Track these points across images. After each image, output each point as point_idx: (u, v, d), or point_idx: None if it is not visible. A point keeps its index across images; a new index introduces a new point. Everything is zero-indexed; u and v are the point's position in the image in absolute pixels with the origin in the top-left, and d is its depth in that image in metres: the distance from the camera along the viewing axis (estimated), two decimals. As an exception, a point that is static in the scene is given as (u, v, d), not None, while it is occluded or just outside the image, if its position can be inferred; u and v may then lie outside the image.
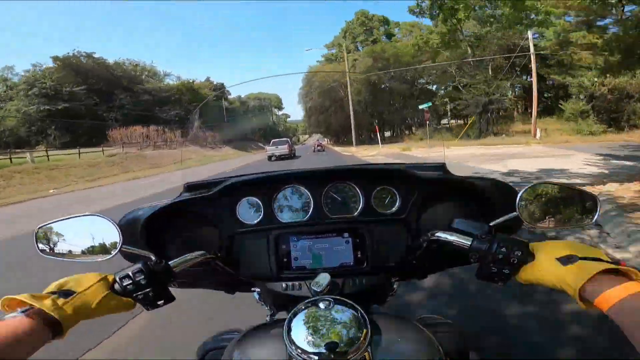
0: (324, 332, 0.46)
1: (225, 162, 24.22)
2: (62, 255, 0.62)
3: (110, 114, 34.13)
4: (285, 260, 0.74)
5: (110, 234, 0.60)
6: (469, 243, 0.56)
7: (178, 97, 40.79)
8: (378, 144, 25.55)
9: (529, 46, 20.75)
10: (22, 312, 0.44)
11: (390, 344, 0.51)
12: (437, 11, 23.81)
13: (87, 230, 0.61)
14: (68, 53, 33.83)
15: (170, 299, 0.58)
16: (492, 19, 23.61)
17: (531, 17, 22.30)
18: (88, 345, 1.99)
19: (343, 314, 0.49)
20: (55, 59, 32.79)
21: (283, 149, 21.27)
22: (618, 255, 2.80)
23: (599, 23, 22.60)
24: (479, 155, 12.72)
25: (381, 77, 33.67)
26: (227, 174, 0.92)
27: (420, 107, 18.03)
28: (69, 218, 0.62)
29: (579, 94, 20.27)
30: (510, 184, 0.77)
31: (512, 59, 20.16)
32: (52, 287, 0.50)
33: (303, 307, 0.51)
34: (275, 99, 78.96)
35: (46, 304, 0.46)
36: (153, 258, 0.57)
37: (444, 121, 39.07)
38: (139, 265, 0.55)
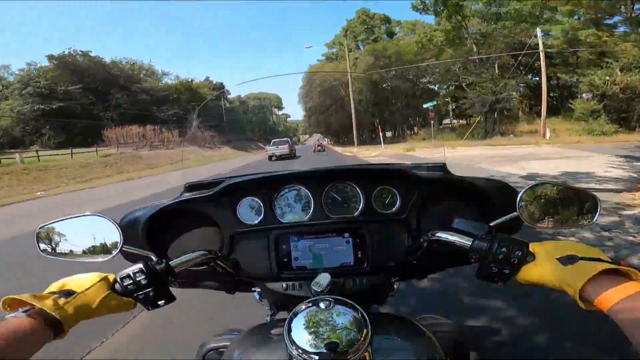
0: (324, 332, 0.46)
1: (225, 162, 24.03)
2: (64, 255, 0.63)
3: (107, 113, 33.49)
4: (285, 260, 0.73)
5: (111, 234, 0.60)
6: (469, 243, 0.56)
7: (176, 97, 40.28)
8: (379, 144, 25.08)
9: (535, 44, 20.19)
10: (23, 312, 0.45)
11: (390, 344, 0.52)
12: (442, 7, 23.45)
13: (87, 230, 0.62)
14: (64, 51, 33.25)
15: (170, 299, 0.58)
16: (496, 17, 23.18)
17: (535, 15, 21.94)
18: (88, 345, 1.97)
19: (343, 314, 0.48)
20: (50, 57, 32.13)
21: (283, 149, 21.82)
22: None
23: (607, 21, 22.11)
24: (488, 156, 12.21)
25: (383, 75, 33.08)
26: (228, 174, 0.93)
27: (425, 105, 17.41)
28: (69, 218, 0.62)
29: (590, 93, 19.67)
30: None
31: (521, 56, 19.47)
32: (53, 287, 0.51)
33: (303, 307, 0.50)
34: (275, 98, 78.48)
35: (47, 304, 0.46)
36: (154, 258, 0.58)
37: (446, 121, 38.58)
38: (139, 265, 0.55)
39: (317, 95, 38.38)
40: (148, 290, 0.54)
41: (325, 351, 0.44)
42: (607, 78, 18.00)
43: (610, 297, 0.41)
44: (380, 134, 24.72)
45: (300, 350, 0.45)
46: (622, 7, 19.59)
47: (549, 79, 24.16)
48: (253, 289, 0.81)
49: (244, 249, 0.75)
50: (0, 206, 9.80)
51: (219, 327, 0.85)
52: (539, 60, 20.29)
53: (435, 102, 19.31)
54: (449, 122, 38.10)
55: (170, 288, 0.58)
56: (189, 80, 46.94)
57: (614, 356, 1.53)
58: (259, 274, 0.74)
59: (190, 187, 0.80)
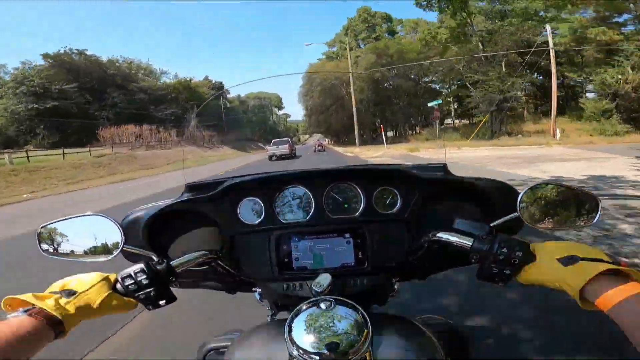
0: (325, 332, 0.46)
1: (224, 162, 23.55)
2: (65, 255, 0.62)
3: (102, 112, 32.82)
4: (286, 260, 0.73)
5: (112, 234, 0.60)
6: (470, 243, 0.56)
7: (175, 96, 39.66)
8: (380, 144, 24.41)
9: (542, 42, 19.61)
10: (25, 311, 0.45)
11: (390, 344, 0.52)
12: (446, 4, 22.81)
13: (89, 230, 0.62)
14: (59, 50, 32.58)
15: (171, 298, 0.58)
16: (501, 15, 22.56)
17: (540, 14, 21.32)
18: (89, 345, 1.95)
19: (344, 315, 0.49)
20: (45, 56, 31.51)
21: (284, 149, 21.89)
22: None
23: (616, 19, 21.52)
24: (498, 157, 11.60)
25: (385, 74, 32.49)
26: (227, 174, 0.91)
27: (430, 104, 16.86)
28: (71, 218, 0.62)
29: (595, 92, 19.10)
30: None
31: (530, 53, 18.81)
32: (54, 287, 0.51)
33: (304, 308, 0.51)
34: (275, 98, 77.92)
35: (48, 304, 0.46)
36: (155, 258, 0.58)
37: (448, 121, 37.95)
38: (140, 265, 0.55)
39: (318, 95, 37.77)
40: (149, 290, 0.54)
41: (325, 351, 0.44)
42: (620, 77, 17.39)
43: (611, 298, 0.41)
44: (383, 134, 24.11)
45: (300, 351, 0.45)
46: (632, 4, 19.05)
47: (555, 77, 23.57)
48: (254, 289, 0.81)
49: (245, 249, 0.75)
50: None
51: (219, 327, 0.92)
52: (546, 59, 19.70)
53: (440, 101, 18.77)
54: (451, 122, 37.48)
55: (171, 288, 0.58)
56: (188, 79, 46.34)
57: (614, 356, 1.53)
58: (259, 274, 0.74)
59: (191, 188, 0.79)
